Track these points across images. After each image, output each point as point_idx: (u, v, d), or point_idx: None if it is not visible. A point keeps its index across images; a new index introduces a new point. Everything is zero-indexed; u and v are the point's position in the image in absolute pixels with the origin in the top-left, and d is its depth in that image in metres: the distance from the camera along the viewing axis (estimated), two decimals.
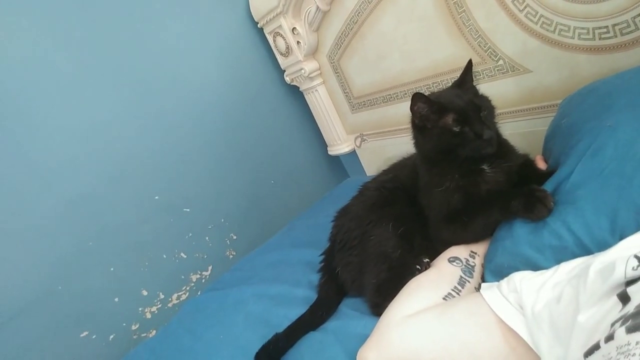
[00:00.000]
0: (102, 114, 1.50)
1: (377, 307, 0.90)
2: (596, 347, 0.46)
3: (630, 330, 0.43)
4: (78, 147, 1.45)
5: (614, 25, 0.98)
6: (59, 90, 1.42)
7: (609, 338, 0.45)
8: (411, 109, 0.89)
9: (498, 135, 0.91)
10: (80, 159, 1.45)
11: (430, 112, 0.87)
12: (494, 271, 0.80)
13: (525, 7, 1.09)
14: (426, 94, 0.88)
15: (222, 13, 1.80)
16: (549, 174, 0.84)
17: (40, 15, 1.38)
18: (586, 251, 0.68)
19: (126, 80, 1.56)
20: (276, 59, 1.92)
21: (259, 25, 1.84)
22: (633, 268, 0.50)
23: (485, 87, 1.26)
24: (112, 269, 1.50)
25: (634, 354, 0.40)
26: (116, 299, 1.50)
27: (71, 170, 1.43)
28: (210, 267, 1.74)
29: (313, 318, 1.01)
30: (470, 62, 0.92)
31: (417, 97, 0.86)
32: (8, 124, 1.32)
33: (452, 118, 0.85)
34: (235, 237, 1.82)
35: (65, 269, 1.40)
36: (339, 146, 1.99)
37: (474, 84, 0.94)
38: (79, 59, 1.46)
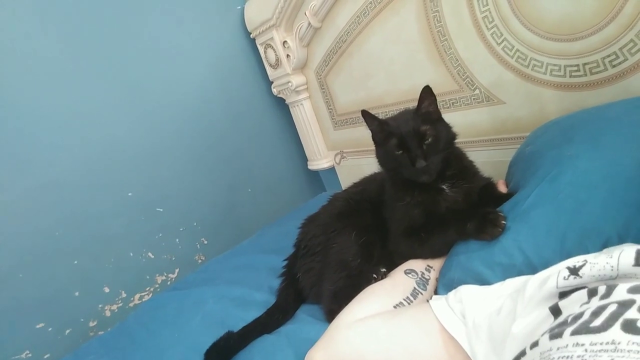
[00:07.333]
0: (86, 105, 1.49)
1: (332, 314, 0.89)
2: (522, 353, 0.48)
3: (552, 337, 0.45)
4: (57, 133, 1.44)
5: (584, 64, 1.02)
6: (46, 76, 1.42)
7: (534, 344, 0.47)
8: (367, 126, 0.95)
9: (461, 159, 0.95)
10: (58, 145, 1.44)
11: (379, 131, 0.93)
12: (446, 285, 0.81)
13: (502, 40, 1.14)
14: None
15: (217, 20, 1.84)
16: (508, 196, 0.87)
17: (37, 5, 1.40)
18: (533, 271, 0.69)
19: (115, 75, 1.57)
20: (265, 70, 1.95)
21: (251, 36, 1.87)
22: (564, 278, 0.52)
23: (460, 115, 1.30)
24: (76, 261, 1.46)
25: (552, 358, 0.42)
26: (76, 293, 1.46)
27: (47, 155, 1.41)
28: (177, 270, 1.71)
29: (269, 321, 1.01)
30: (424, 90, 0.90)
31: (364, 115, 0.93)
32: None
33: (394, 142, 0.89)
34: (206, 242, 1.80)
35: (29, 255, 1.37)
36: (319, 161, 2.01)
37: (438, 110, 0.94)
38: (70, 49, 1.46)
